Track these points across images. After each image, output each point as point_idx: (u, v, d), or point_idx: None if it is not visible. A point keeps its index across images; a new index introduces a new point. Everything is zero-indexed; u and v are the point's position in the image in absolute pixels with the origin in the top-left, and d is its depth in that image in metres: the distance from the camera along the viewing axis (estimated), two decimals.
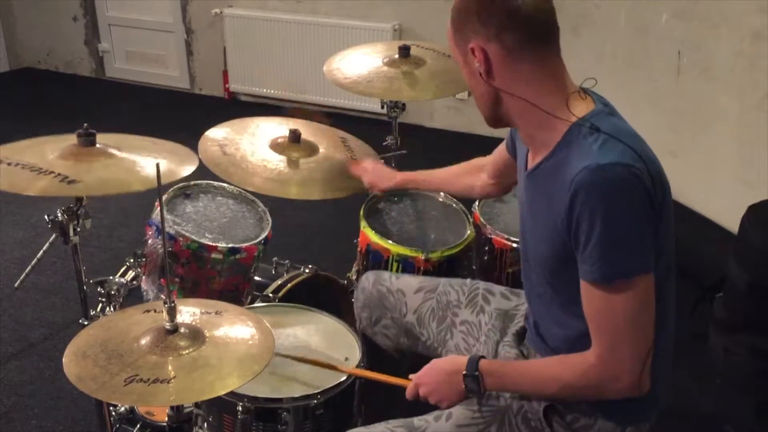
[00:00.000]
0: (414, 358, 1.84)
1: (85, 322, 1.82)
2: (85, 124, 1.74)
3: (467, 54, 1.34)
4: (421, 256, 1.98)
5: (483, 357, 1.43)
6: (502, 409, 1.44)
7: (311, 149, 2.09)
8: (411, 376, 1.51)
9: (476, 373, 1.38)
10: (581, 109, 1.31)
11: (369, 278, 1.88)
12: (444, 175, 1.98)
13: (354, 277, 2.21)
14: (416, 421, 1.46)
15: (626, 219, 1.21)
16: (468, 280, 1.81)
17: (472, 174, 1.91)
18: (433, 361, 1.50)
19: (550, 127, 1.32)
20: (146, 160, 1.72)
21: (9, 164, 1.63)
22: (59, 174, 1.61)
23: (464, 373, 1.40)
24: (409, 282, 1.83)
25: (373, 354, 1.85)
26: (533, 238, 1.44)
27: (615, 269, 1.23)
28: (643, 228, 1.23)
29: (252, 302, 2.06)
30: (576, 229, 1.24)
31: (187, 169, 1.75)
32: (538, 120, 1.33)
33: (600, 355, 1.28)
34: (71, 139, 1.73)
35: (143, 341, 1.35)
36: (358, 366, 1.67)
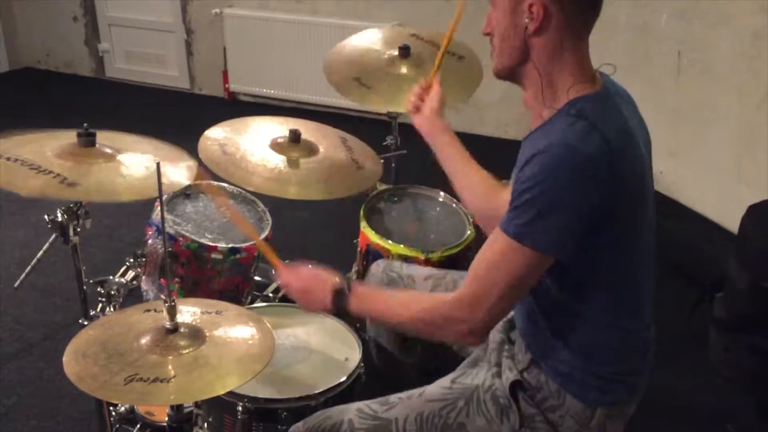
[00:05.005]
0: (419, 356, 1.85)
1: (85, 322, 1.83)
2: (85, 124, 1.73)
3: (520, 4, 1.31)
4: (421, 256, 1.98)
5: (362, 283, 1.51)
6: (472, 387, 1.47)
7: (311, 149, 2.09)
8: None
9: (347, 290, 1.46)
10: (584, 90, 1.32)
11: (379, 265, 1.90)
12: (475, 178, 1.74)
13: (354, 277, 2.21)
14: (392, 397, 1.49)
15: (557, 195, 1.23)
16: None
17: (491, 194, 1.68)
18: (312, 268, 1.57)
19: (554, 101, 1.33)
20: (146, 165, 1.71)
21: (8, 159, 1.63)
22: (58, 174, 1.60)
23: (336, 287, 1.47)
24: (419, 270, 1.86)
25: (376, 351, 1.85)
26: None
27: (521, 229, 1.25)
28: (570, 214, 1.24)
29: (252, 302, 2.07)
30: (515, 187, 1.27)
31: (183, 180, 1.75)
32: (547, 92, 1.34)
33: (461, 297, 1.33)
34: (71, 136, 1.72)
35: (143, 340, 1.35)
36: (357, 366, 1.67)
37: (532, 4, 1.29)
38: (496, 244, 1.30)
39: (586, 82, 1.33)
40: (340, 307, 1.48)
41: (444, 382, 1.50)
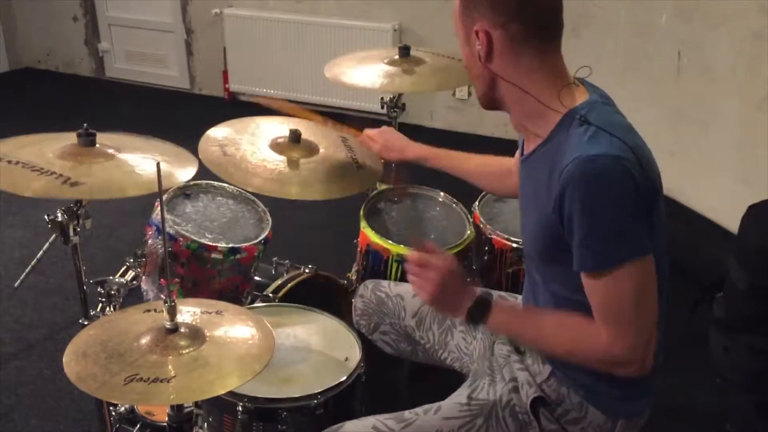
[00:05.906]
0: (413, 364, 1.84)
1: (85, 322, 1.82)
2: (85, 125, 1.73)
3: (471, 35, 1.34)
4: None
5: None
6: (490, 403, 1.45)
7: (311, 149, 2.08)
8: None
9: (490, 299, 1.38)
10: (574, 99, 1.31)
11: (368, 286, 1.89)
12: (471, 166, 1.90)
13: (354, 277, 2.21)
14: (406, 413, 1.46)
15: (613, 209, 1.22)
16: None
17: (502, 177, 1.82)
18: (458, 269, 1.42)
19: (542, 116, 1.33)
20: (146, 163, 1.71)
21: (9, 162, 1.63)
22: (60, 175, 1.60)
23: (482, 293, 1.39)
24: (408, 287, 1.83)
25: (374, 356, 1.85)
26: (525, 225, 1.44)
27: (606, 257, 1.24)
28: (629, 216, 1.23)
29: (252, 302, 2.06)
30: (569, 220, 1.25)
31: (187, 173, 1.75)
32: (531, 109, 1.33)
33: (609, 339, 1.27)
34: (71, 138, 1.72)
35: (143, 340, 1.35)
36: (357, 366, 1.67)
37: (477, 30, 1.32)
38: (593, 286, 1.27)
39: (570, 92, 1.32)
40: (475, 316, 1.37)
41: (460, 398, 1.47)
